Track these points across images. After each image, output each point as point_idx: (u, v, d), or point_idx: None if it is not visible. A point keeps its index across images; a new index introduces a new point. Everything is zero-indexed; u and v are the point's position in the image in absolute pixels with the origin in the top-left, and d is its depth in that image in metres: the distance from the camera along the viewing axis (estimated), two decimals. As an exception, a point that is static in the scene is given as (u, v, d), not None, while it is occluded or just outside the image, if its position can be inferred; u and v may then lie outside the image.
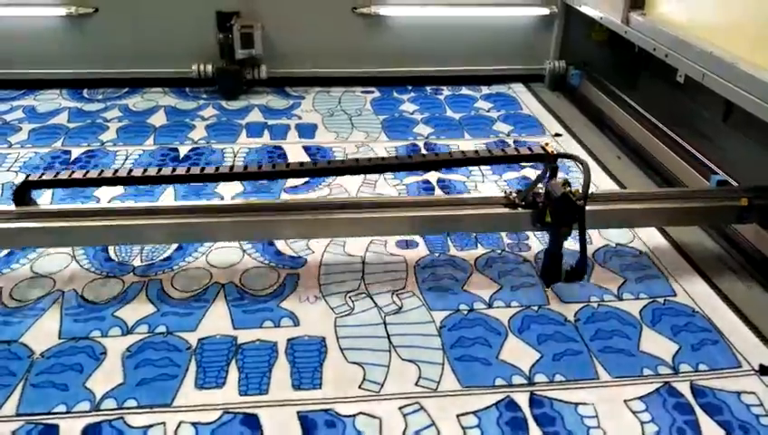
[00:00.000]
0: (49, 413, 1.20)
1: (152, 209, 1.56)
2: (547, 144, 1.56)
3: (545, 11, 2.87)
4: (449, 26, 2.87)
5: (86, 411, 1.21)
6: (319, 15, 2.78)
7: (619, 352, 1.39)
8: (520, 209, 1.55)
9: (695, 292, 1.58)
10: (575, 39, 2.89)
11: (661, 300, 1.56)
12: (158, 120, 2.52)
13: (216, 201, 1.92)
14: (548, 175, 1.52)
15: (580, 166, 1.51)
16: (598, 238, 1.79)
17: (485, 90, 2.91)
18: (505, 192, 1.59)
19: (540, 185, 1.54)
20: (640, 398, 1.27)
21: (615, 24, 2.35)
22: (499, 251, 1.73)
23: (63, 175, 1.58)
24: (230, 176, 1.68)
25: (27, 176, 1.60)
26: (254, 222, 1.56)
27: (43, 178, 1.58)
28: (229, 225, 1.55)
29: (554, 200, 1.45)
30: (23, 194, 1.56)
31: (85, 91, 2.77)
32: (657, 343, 1.42)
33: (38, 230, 1.52)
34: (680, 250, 1.75)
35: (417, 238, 1.76)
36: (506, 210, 1.56)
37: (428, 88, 2.91)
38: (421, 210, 1.59)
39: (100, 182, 1.63)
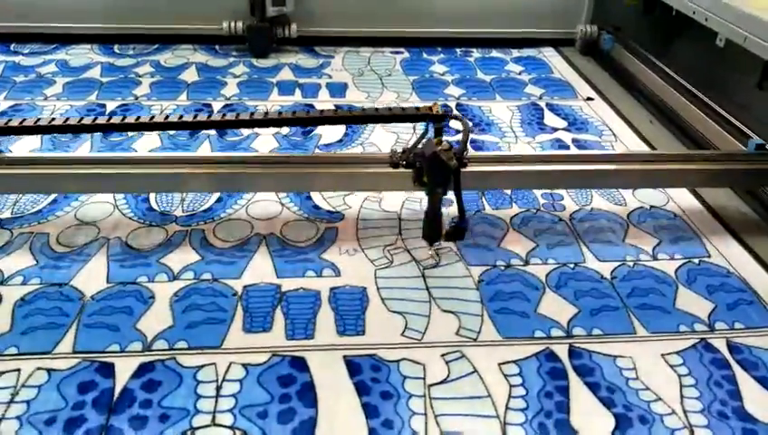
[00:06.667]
0: (103, 352, 1.24)
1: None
2: (435, 104, 1.50)
3: (578, -26, 2.83)
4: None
5: (139, 351, 1.25)
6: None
7: (655, 309, 1.41)
8: (401, 169, 1.52)
9: (729, 253, 1.60)
10: (607, 3, 2.86)
11: (696, 260, 1.57)
12: (190, 76, 2.53)
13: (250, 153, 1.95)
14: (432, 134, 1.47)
15: (462, 125, 1.46)
16: (632, 199, 1.80)
17: (516, 53, 2.89)
18: (391, 150, 1.56)
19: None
20: (677, 352, 1.29)
21: (652, -13, 2.32)
22: (534, 210, 1.75)
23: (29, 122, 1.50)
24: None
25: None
26: (292, 174, 1.60)
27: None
28: (269, 176, 1.59)
29: (426, 159, 1.42)
30: None
31: (116, 46, 2.78)
32: (692, 302, 1.44)
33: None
34: (713, 212, 1.76)
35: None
36: (390, 169, 1.55)
37: (458, 50, 2.89)
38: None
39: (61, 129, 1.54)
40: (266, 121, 1.56)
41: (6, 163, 1.56)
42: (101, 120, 1.48)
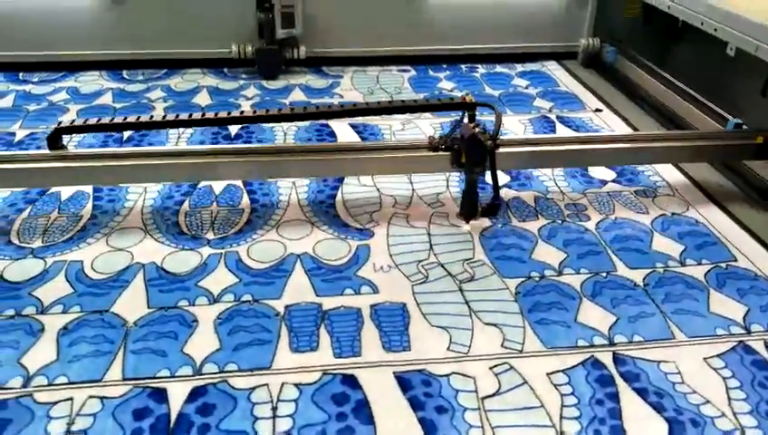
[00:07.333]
0: (154, 377, 1.25)
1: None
2: (467, 94, 1.74)
3: (579, -12, 2.89)
4: (481, 4, 2.89)
5: (190, 375, 1.25)
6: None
7: (690, 314, 1.44)
8: (441, 152, 1.72)
9: (755, 256, 1.63)
10: (609, 16, 2.92)
11: (723, 265, 1.60)
12: (203, 99, 2.55)
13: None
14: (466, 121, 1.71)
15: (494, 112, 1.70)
16: (653, 207, 1.84)
17: (520, 67, 2.94)
18: (429, 137, 1.76)
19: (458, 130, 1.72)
20: (718, 356, 1.32)
21: (657, -1, 2.38)
22: (560, 221, 1.77)
23: (92, 121, 1.78)
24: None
25: (59, 123, 1.75)
26: (337, 160, 1.77)
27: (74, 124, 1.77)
28: (318, 163, 1.76)
29: (465, 141, 1.62)
30: (55, 139, 1.71)
31: (124, 71, 2.79)
32: (725, 306, 1.47)
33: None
34: (736, 220, 1.80)
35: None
36: (429, 153, 1.74)
37: (463, 66, 2.93)
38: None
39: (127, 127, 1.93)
40: (320, 114, 1.87)
41: (71, 158, 1.74)
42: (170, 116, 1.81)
